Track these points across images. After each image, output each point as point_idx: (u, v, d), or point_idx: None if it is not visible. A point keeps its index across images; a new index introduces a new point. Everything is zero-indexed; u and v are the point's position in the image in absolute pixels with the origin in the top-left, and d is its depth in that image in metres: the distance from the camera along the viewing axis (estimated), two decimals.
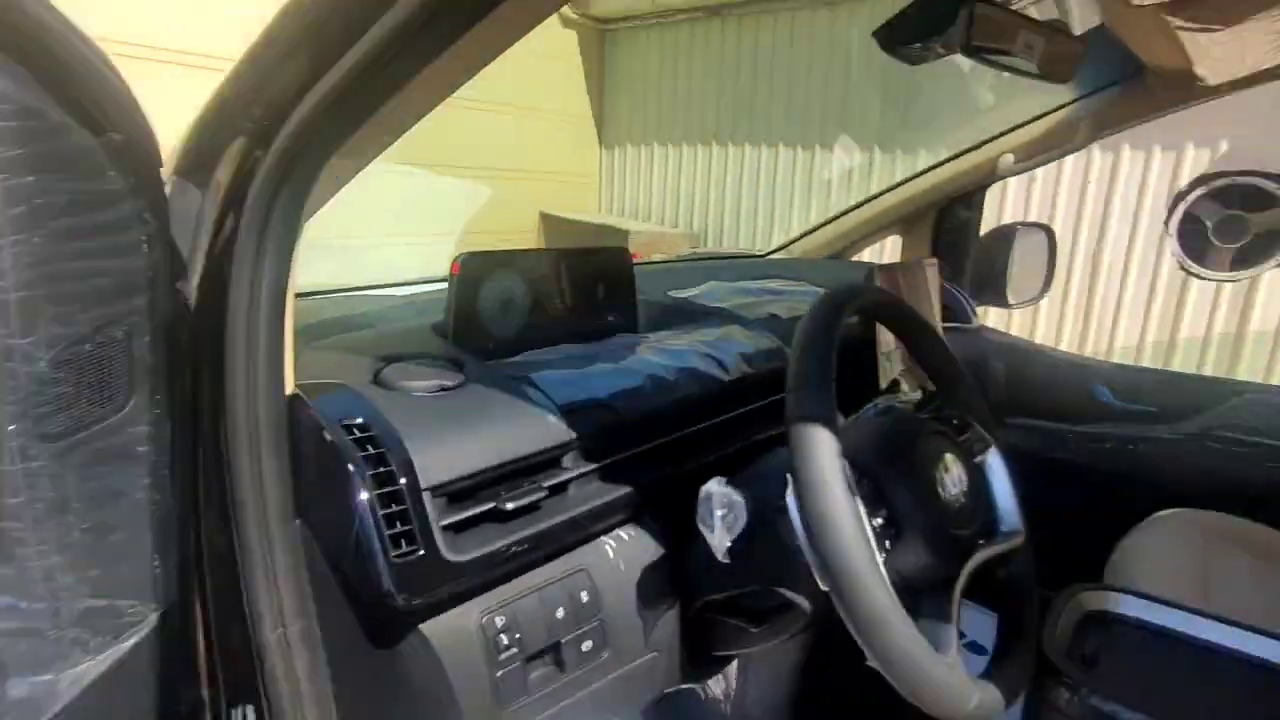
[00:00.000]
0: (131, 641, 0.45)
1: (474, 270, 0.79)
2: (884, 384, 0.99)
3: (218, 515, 0.52)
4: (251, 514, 0.52)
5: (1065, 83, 0.85)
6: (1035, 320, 3.41)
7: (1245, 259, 1.13)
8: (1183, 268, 1.25)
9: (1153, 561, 1.05)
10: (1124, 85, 1.13)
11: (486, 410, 0.63)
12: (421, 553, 0.52)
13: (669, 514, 0.72)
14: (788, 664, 1.13)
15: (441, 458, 0.57)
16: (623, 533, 0.69)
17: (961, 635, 0.58)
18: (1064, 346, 3.19)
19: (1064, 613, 0.92)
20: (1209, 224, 1.13)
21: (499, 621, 0.58)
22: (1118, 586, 0.96)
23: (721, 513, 0.60)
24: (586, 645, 0.63)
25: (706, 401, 0.79)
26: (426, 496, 0.54)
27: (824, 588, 0.51)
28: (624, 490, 0.67)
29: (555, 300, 0.88)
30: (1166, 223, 1.28)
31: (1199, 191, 1.13)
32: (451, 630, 0.56)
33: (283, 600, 0.54)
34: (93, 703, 0.42)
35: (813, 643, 1.13)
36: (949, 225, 1.69)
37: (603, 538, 0.67)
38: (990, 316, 2.95)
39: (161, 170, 0.45)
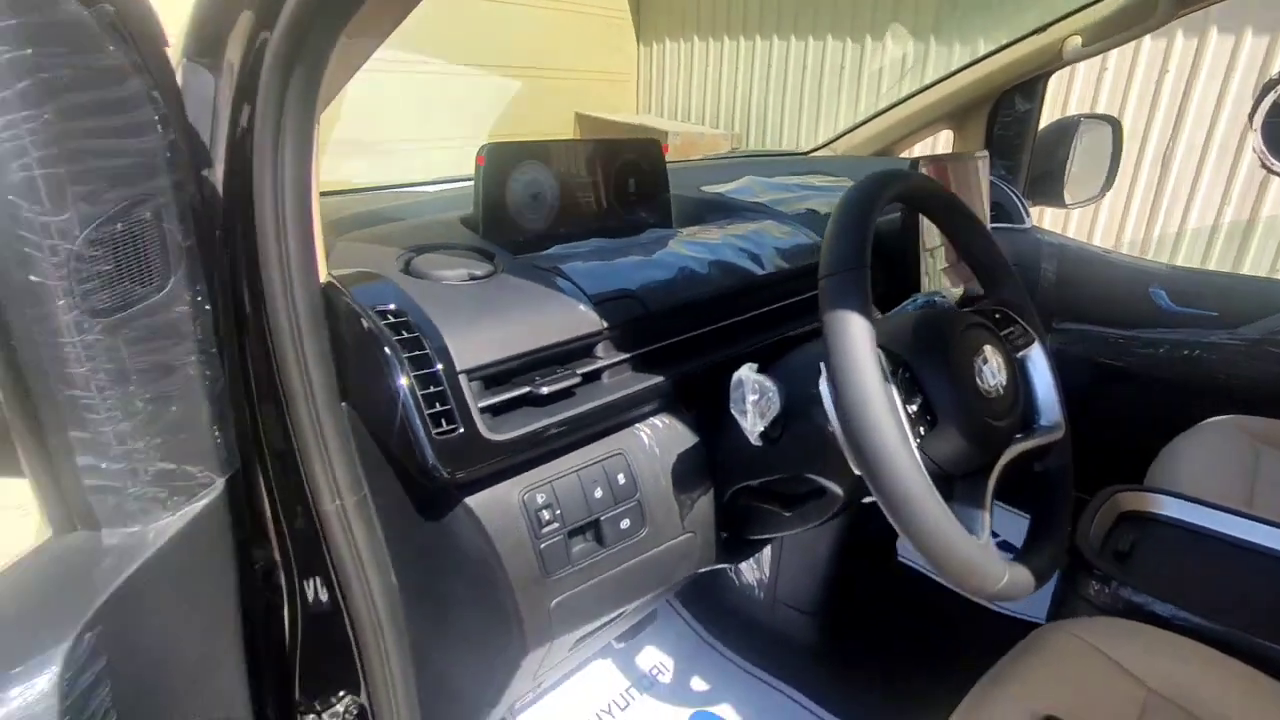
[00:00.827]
0: (203, 502, 0.48)
1: (499, 161, 0.77)
2: (927, 284, 0.96)
3: (268, 396, 0.54)
4: (300, 398, 0.54)
5: None
6: (1093, 225, 3.25)
7: None
8: (1264, 165, 1.16)
9: (1197, 465, 1.04)
10: None
11: (517, 299, 0.63)
12: (461, 430, 0.54)
13: (702, 404, 0.73)
14: (820, 552, 1.17)
15: (475, 343, 0.58)
16: (657, 420, 0.70)
17: (994, 535, 0.59)
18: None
19: (1100, 511, 0.92)
20: None
21: (539, 498, 0.60)
22: (1156, 488, 0.95)
23: (754, 397, 0.60)
24: (625, 523, 0.65)
25: (740, 295, 0.78)
26: (463, 379, 0.56)
27: (857, 471, 0.52)
28: (657, 379, 0.68)
29: (585, 193, 0.86)
30: (1251, 115, 1.18)
31: None
32: (495, 504, 0.59)
33: (336, 475, 0.57)
34: (177, 553, 0.46)
35: (845, 532, 1.16)
36: (1005, 118, 1.59)
37: (638, 425, 0.69)
38: (1046, 219, 2.82)
39: (169, 50, 0.44)
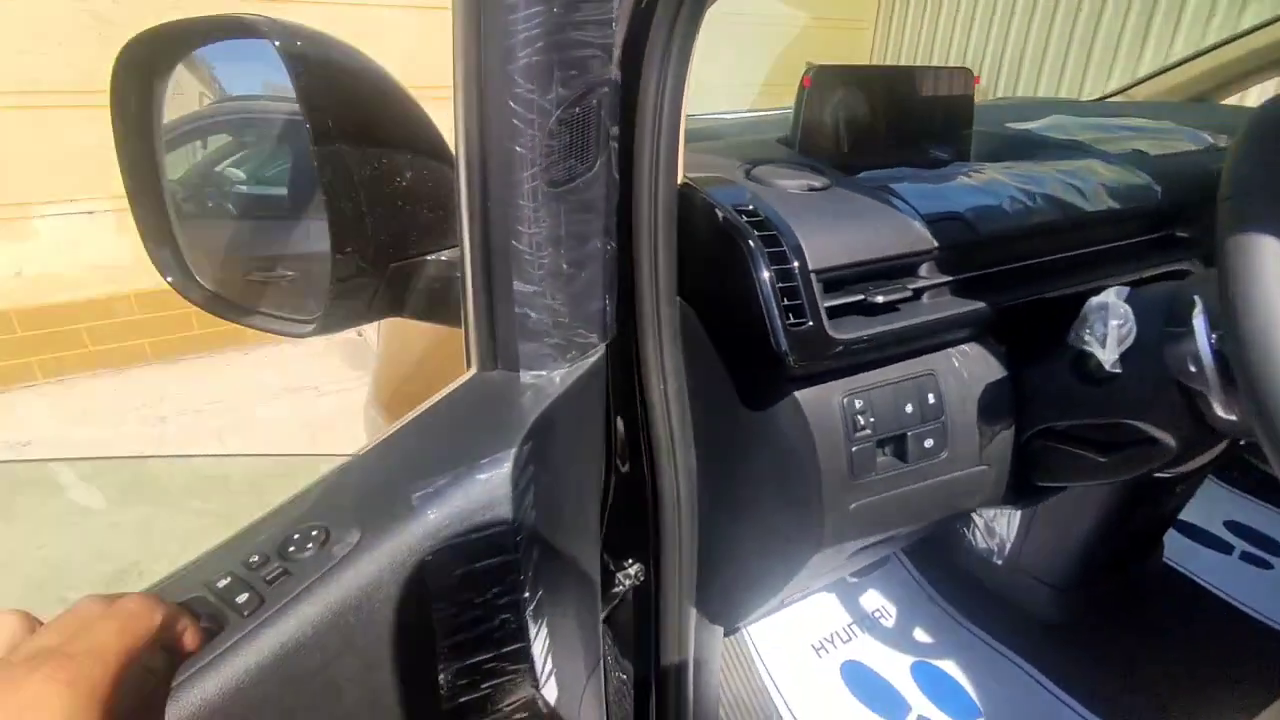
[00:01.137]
0: (590, 361, 0.56)
1: (825, 83, 0.79)
2: None
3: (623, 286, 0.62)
4: (647, 287, 0.61)
5: None
6: None
7: None
8: None
9: None
10: None
11: (854, 210, 0.66)
12: (810, 325, 0.58)
13: (1015, 337, 0.72)
14: (1079, 528, 1.10)
15: (819, 247, 0.61)
16: (968, 347, 0.70)
17: None
18: None
19: None
20: None
21: (858, 403, 0.63)
22: None
23: (1117, 323, 0.58)
24: (929, 443, 0.66)
25: (1065, 230, 0.74)
26: (813, 278, 0.59)
27: (1230, 417, 0.49)
28: (976, 305, 0.67)
29: (896, 120, 0.86)
30: None
31: None
32: (818, 401, 0.62)
33: (665, 361, 0.64)
34: (569, 400, 0.54)
35: (1113, 513, 1.08)
36: None
37: (950, 349, 0.69)
38: None
39: None
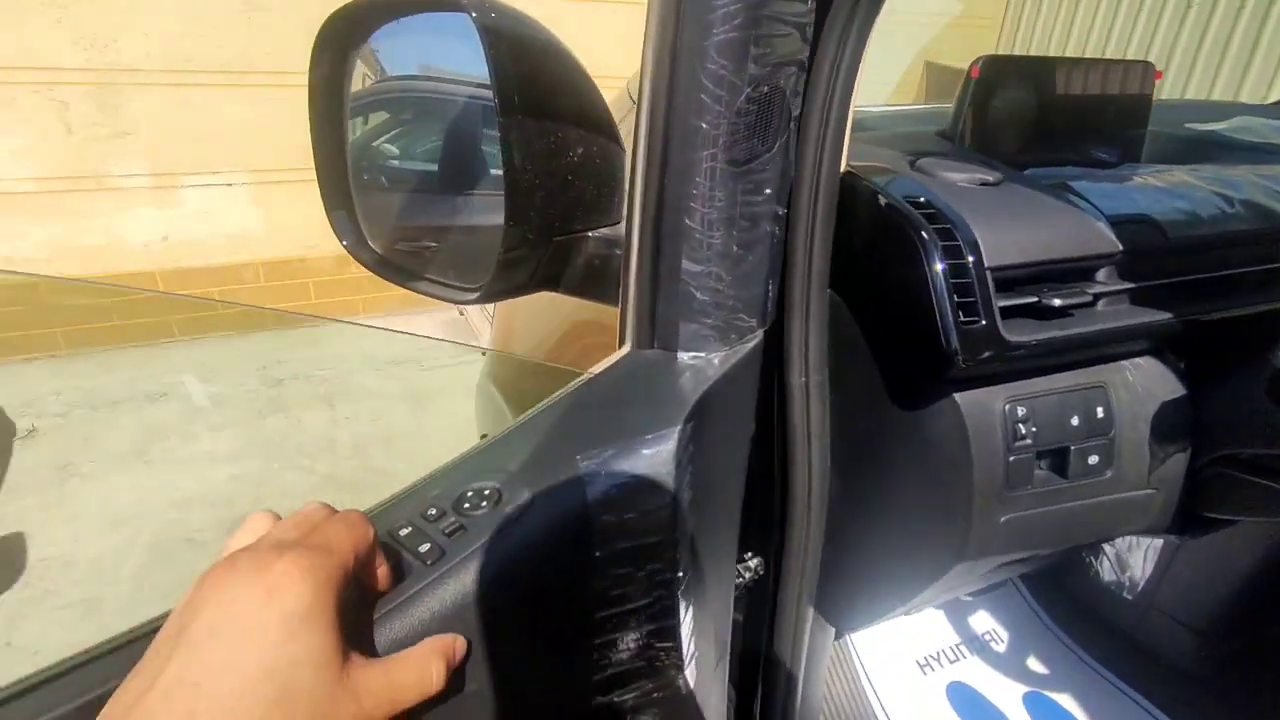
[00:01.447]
0: (748, 346, 0.55)
1: (994, 73, 0.75)
2: None
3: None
4: (799, 275, 0.59)
5: None
6: None
7: None
8: None
9: None
10: None
11: (1030, 208, 0.62)
12: (983, 324, 0.55)
13: (1197, 353, 0.66)
14: (1236, 568, 1.01)
15: (995, 243, 0.58)
16: (1143, 361, 0.65)
17: None
18: None
19: None
20: None
21: (1020, 410, 0.60)
22: None
23: None
24: (1093, 459, 0.62)
25: (1267, 240, 0.68)
26: (988, 275, 0.56)
27: None
28: (1157, 316, 0.62)
29: (1065, 116, 0.80)
30: None
31: None
32: (978, 405, 0.59)
33: (810, 353, 0.62)
34: (725, 384, 0.54)
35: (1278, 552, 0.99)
36: None
37: (1123, 361, 0.64)
38: None
39: None
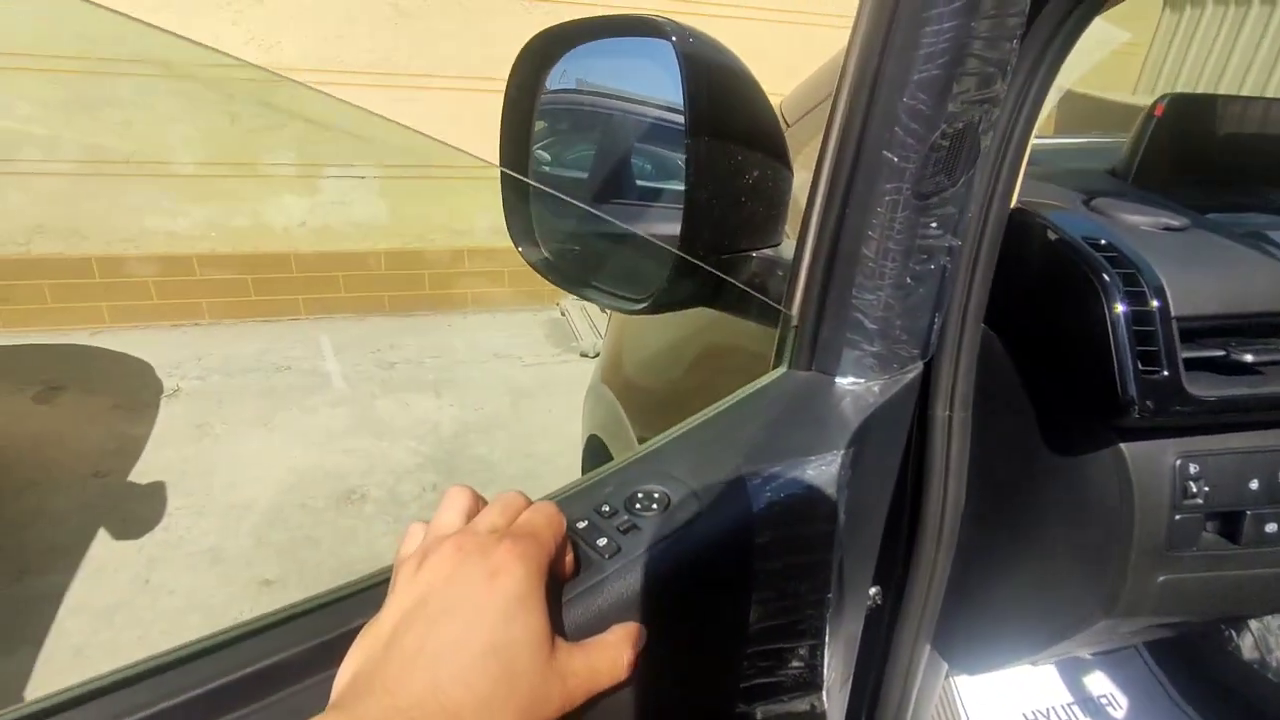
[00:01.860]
0: (907, 377, 0.55)
1: (1180, 112, 0.72)
2: None
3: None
4: (956, 308, 0.59)
5: None
6: None
7: None
8: None
9: None
10: None
11: (1221, 256, 0.59)
12: (1166, 374, 0.53)
13: None
14: None
15: (1182, 291, 0.55)
16: None
17: None
18: None
19: None
20: None
21: (1192, 468, 0.57)
22: None
23: None
24: (1271, 527, 0.58)
25: None
26: (1174, 324, 0.54)
27: None
28: None
29: (1254, 158, 0.76)
30: None
31: None
32: (1146, 458, 0.57)
33: (956, 387, 0.61)
34: (883, 413, 0.54)
35: None
36: None
37: None
38: None
39: None
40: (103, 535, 2.22)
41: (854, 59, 0.48)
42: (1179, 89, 4.06)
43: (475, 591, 0.33)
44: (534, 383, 3.27)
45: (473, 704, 0.30)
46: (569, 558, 0.41)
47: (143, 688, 0.36)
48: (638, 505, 0.46)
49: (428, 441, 2.80)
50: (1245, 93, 3.69)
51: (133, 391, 2.96)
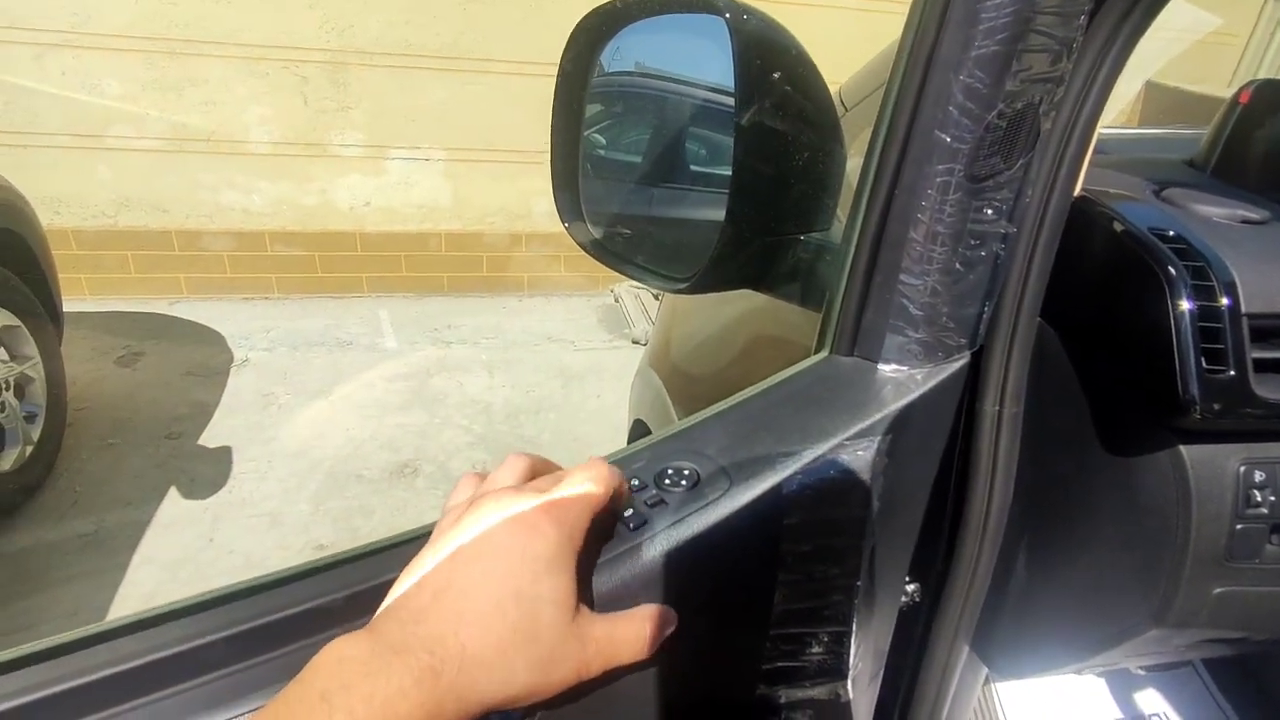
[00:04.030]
0: (954, 366, 0.54)
1: (1266, 99, 0.67)
2: None
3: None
4: (1009, 299, 0.57)
5: None
6: None
7: None
8: None
9: None
10: None
11: None
12: (1232, 374, 0.51)
13: None
14: None
15: (1256, 288, 0.52)
16: None
17: None
18: None
19: None
20: None
21: (1258, 476, 0.54)
22: None
23: None
24: None
25: None
26: (1244, 322, 0.51)
27: None
28: None
29: None
30: None
31: None
32: (1208, 463, 0.54)
33: (1007, 382, 0.59)
34: (926, 401, 0.53)
35: None
36: None
37: None
38: None
39: None
40: (173, 493, 2.35)
41: (910, 35, 0.47)
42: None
43: (509, 544, 0.34)
44: (585, 367, 3.30)
45: (489, 646, 0.31)
46: (614, 524, 0.42)
47: (190, 621, 0.39)
48: (667, 480, 0.47)
49: (479, 421, 2.86)
50: None
51: (205, 360, 3.12)
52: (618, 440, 2.00)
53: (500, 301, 3.89)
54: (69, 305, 2.62)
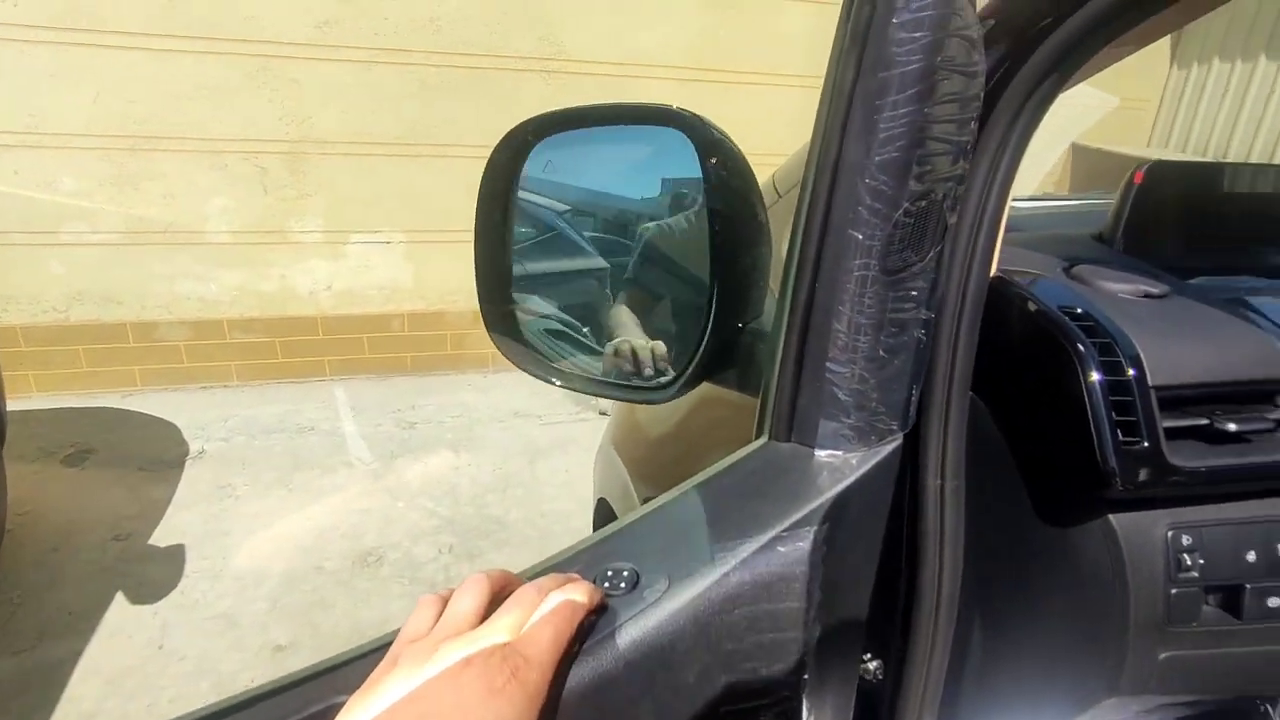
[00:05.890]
0: (887, 448, 0.55)
1: (1159, 179, 0.73)
2: None
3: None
4: (940, 378, 0.59)
5: None
6: None
7: None
8: None
9: None
10: None
11: (1201, 323, 0.59)
12: (1145, 445, 0.53)
13: None
14: None
15: (1160, 359, 0.55)
16: None
17: None
18: None
19: None
20: None
21: (1184, 540, 0.56)
22: None
23: None
24: (1273, 601, 0.56)
25: None
26: (1152, 393, 0.54)
27: None
28: None
29: (1239, 224, 0.76)
30: None
31: None
32: (1137, 530, 0.56)
33: (946, 457, 0.60)
34: (862, 486, 0.54)
35: None
36: None
37: None
38: None
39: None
40: (119, 599, 2.23)
41: (818, 141, 0.50)
42: (1190, 143, 4.08)
43: (472, 707, 0.34)
44: (552, 441, 3.27)
45: None
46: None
47: None
48: (606, 584, 0.46)
49: (444, 503, 2.80)
50: (1258, 148, 3.69)
51: (159, 453, 3.02)
52: (586, 513, 1.97)
53: (465, 379, 3.87)
54: (15, 404, 2.54)
